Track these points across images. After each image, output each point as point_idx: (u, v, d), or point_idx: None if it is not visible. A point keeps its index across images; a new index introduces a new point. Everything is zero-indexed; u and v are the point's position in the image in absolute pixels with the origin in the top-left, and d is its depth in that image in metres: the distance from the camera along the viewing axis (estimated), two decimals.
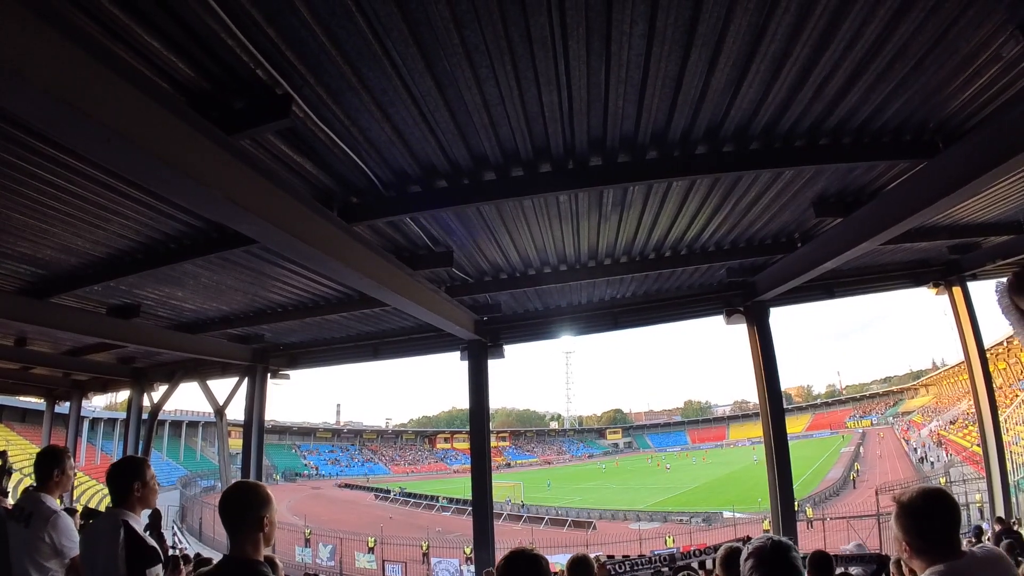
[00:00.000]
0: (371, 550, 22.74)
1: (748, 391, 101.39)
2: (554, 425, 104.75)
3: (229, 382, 11.64)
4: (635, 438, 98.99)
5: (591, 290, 8.74)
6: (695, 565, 6.35)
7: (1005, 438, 11.88)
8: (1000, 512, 8.79)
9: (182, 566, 4.20)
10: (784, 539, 1.67)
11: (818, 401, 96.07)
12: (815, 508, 25.71)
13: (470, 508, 10.41)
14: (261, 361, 10.87)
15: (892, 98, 4.13)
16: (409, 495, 42.30)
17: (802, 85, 3.82)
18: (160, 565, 2.43)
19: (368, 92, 3.45)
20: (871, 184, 5.72)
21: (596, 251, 6.93)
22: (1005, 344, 38.68)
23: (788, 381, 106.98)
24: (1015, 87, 4.06)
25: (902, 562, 3.66)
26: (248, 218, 3.81)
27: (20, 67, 2.24)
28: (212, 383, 12.00)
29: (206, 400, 12.15)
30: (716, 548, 6.66)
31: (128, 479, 2.45)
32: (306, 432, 75.65)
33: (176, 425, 56.54)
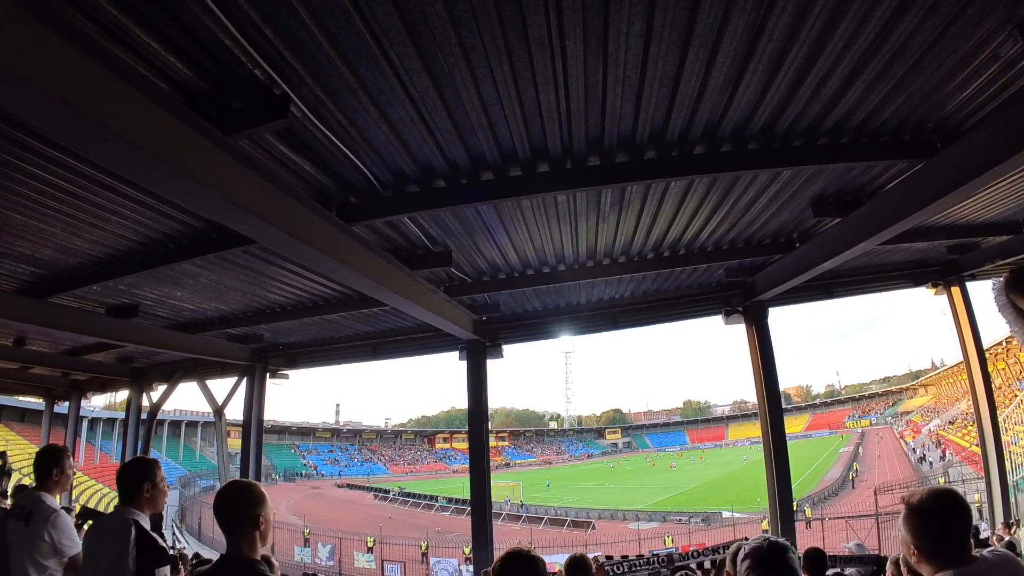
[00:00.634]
0: (370, 550, 22.77)
1: (747, 391, 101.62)
2: (553, 425, 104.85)
3: (228, 382, 11.64)
4: (634, 438, 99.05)
5: (590, 290, 8.74)
6: (692, 566, 6.35)
7: (1004, 438, 11.90)
8: (999, 512, 8.79)
9: (181, 566, 4.20)
10: (781, 539, 1.67)
11: (817, 401, 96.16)
12: (814, 508, 25.76)
13: (469, 508, 10.41)
14: (260, 361, 10.86)
15: (890, 98, 4.13)
16: (408, 495, 42.35)
17: (800, 85, 3.82)
18: (169, 565, 2.43)
19: (366, 92, 3.45)
20: (870, 184, 5.72)
21: (594, 251, 6.93)
22: (1004, 344, 38.77)
23: (787, 381, 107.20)
24: (1014, 86, 4.05)
25: (901, 563, 3.65)
26: (246, 218, 3.81)
27: (19, 68, 2.23)
28: (211, 383, 12.01)
29: (205, 400, 12.16)
30: (715, 549, 6.70)
31: (139, 479, 2.46)
32: (305, 432, 75.69)
33: (175, 425, 56.56)
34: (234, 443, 12.79)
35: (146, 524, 2.42)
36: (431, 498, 39.41)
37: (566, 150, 4.44)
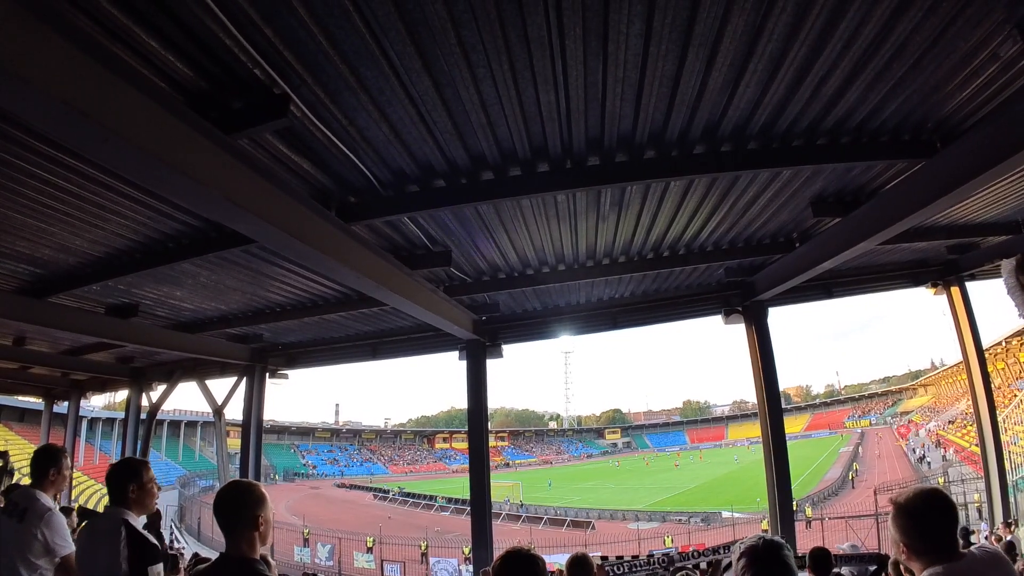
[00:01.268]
0: (370, 550, 22.75)
1: (747, 391, 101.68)
2: (553, 425, 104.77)
3: (228, 382, 11.65)
4: (634, 438, 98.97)
5: (589, 290, 8.74)
6: (690, 567, 6.36)
7: (1003, 438, 11.90)
8: (999, 512, 8.80)
9: (180, 565, 4.20)
10: (776, 537, 1.67)
11: (817, 401, 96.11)
12: (814, 508, 25.75)
13: (468, 508, 10.41)
14: (260, 361, 10.87)
15: (890, 97, 4.13)
16: (408, 495, 42.31)
17: (799, 85, 3.82)
18: (161, 563, 2.43)
19: (366, 92, 3.45)
20: (869, 184, 5.72)
21: (594, 251, 6.93)
22: (1004, 344, 38.79)
23: (787, 381, 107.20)
24: (1013, 86, 4.06)
25: (901, 563, 3.65)
26: (246, 218, 3.81)
27: (19, 67, 2.24)
28: (211, 383, 12.02)
29: (205, 400, 12.17)
30: (714, 550, 6.71)
31: (125, 480, 2.46)
32: (305, 432, 75.63)
33: (175, 425, 56.51)
34: (233, 443, 12.81)
35: (137, 523, 2.43)
36: (431, 498, 39.39)
37: (566, 150, 4.44)
